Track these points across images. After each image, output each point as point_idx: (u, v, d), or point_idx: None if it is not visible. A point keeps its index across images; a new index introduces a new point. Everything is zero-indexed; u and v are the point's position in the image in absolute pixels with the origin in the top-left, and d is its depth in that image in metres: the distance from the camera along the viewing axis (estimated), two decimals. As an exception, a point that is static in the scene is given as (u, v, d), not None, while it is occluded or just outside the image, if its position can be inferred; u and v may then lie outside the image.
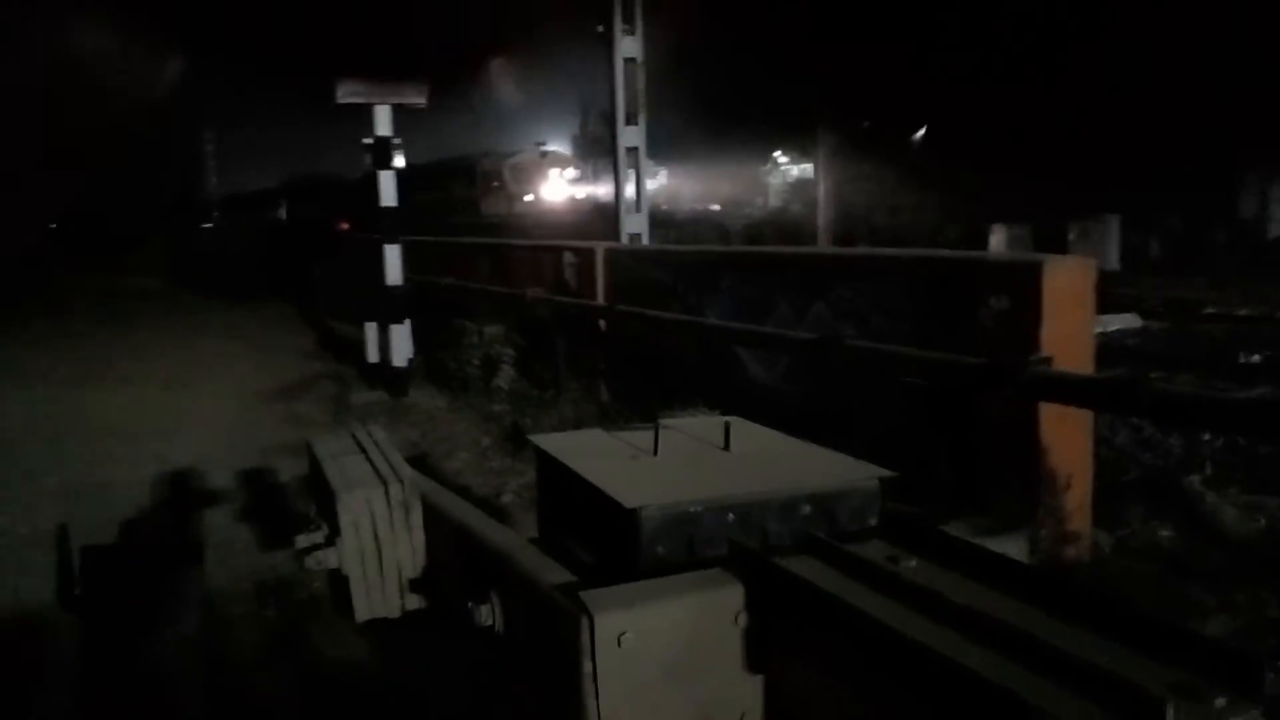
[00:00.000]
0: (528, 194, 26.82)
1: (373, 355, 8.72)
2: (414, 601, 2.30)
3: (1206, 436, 5.47)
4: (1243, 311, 11.66)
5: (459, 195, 27.61)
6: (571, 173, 29.29)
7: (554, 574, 1.63)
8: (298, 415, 7.67)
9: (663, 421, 2.07)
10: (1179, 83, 21.10)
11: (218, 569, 4.33)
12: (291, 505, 5.12)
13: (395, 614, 2.34)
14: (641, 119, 9.98)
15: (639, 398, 6.73)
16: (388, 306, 8.47)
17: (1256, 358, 8.64)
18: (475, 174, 27.76)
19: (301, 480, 5.26)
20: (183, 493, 5.60)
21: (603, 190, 27.99)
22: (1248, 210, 22.53)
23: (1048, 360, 3.63)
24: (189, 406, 8.05)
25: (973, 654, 1.19)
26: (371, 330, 8.74)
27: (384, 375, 8.49)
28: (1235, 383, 7.47)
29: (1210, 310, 11.93)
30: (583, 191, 28.85)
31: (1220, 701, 1.09)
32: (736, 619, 1.50)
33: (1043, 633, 1.22)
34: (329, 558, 2.29)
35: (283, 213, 35.40)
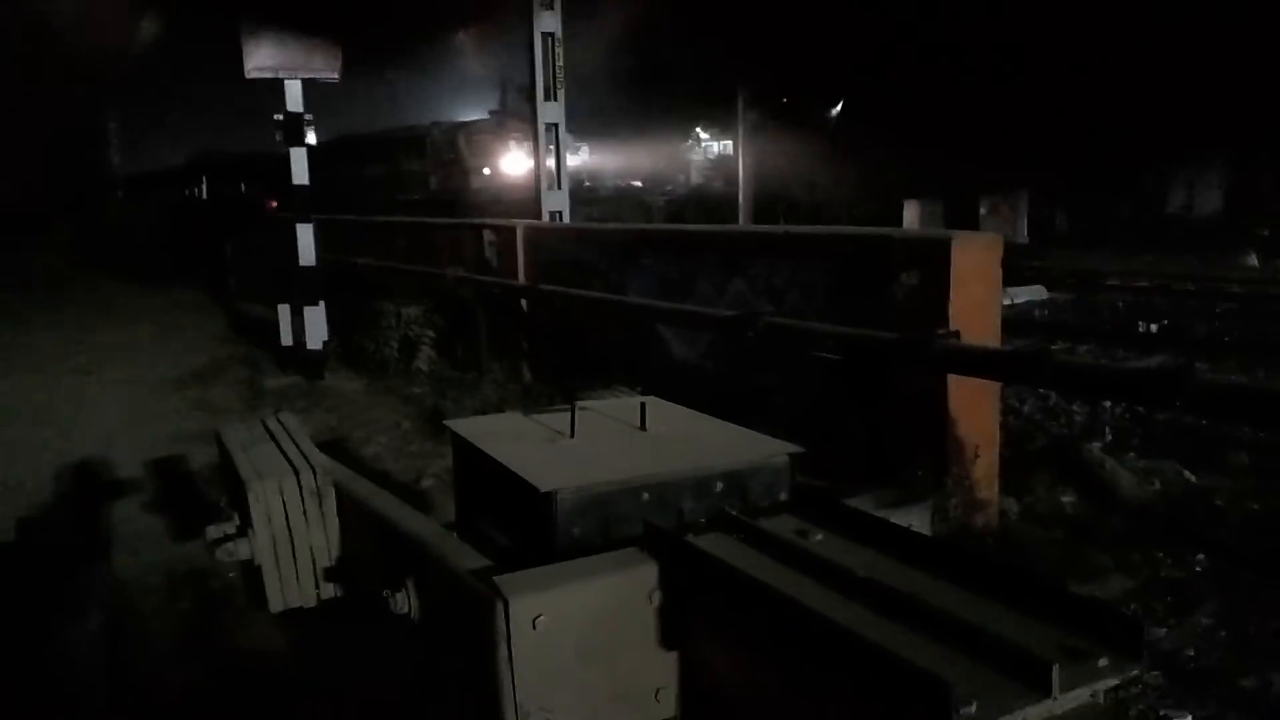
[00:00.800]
0: (484, 168, 24.12)
1: (287, 338, 8.52)
2: (330, 590, 2.28)
3: (1107, 405, 5.70)
4: (1143, 283, 12.15)
5: (408, 169, 25.38)
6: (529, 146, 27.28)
7: (470, 559, 1.63)
8: (210, 401, 7.47)
9: (579, 403, 2.08)
10: (1086, 61, 21.77)
11: (127, 561, 4.21)
12: (203, 495, 4.99)
13: (311, 604, 2.31)
14: (561, 94, 9.90)
15: (562, 377, 6.72)
16: (302, 287, 8.28)
17: (1154, 327, 9.02)
18: (426, 146, 25.24)
19: (213, 469, 5.14)
20: (89, 484, 5.42)
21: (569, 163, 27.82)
22: (1150, 186, 23.43)
23: (956, 334, 3.73)
24: (96, 394, 7.78)
25: (874, 624, 1.24)
26: (285, 312, 8.53)
27: (299, 359, 8.31)
28: (1135, 351, 7.81)
29: (1113, 282, 12.39)
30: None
31: (1103, 661, 1.15)
32: (651, 597, 1.52)
33: (940, 601, 1.27)
34: (241, 548, 2.26)
35: (203, 190, 33.23)
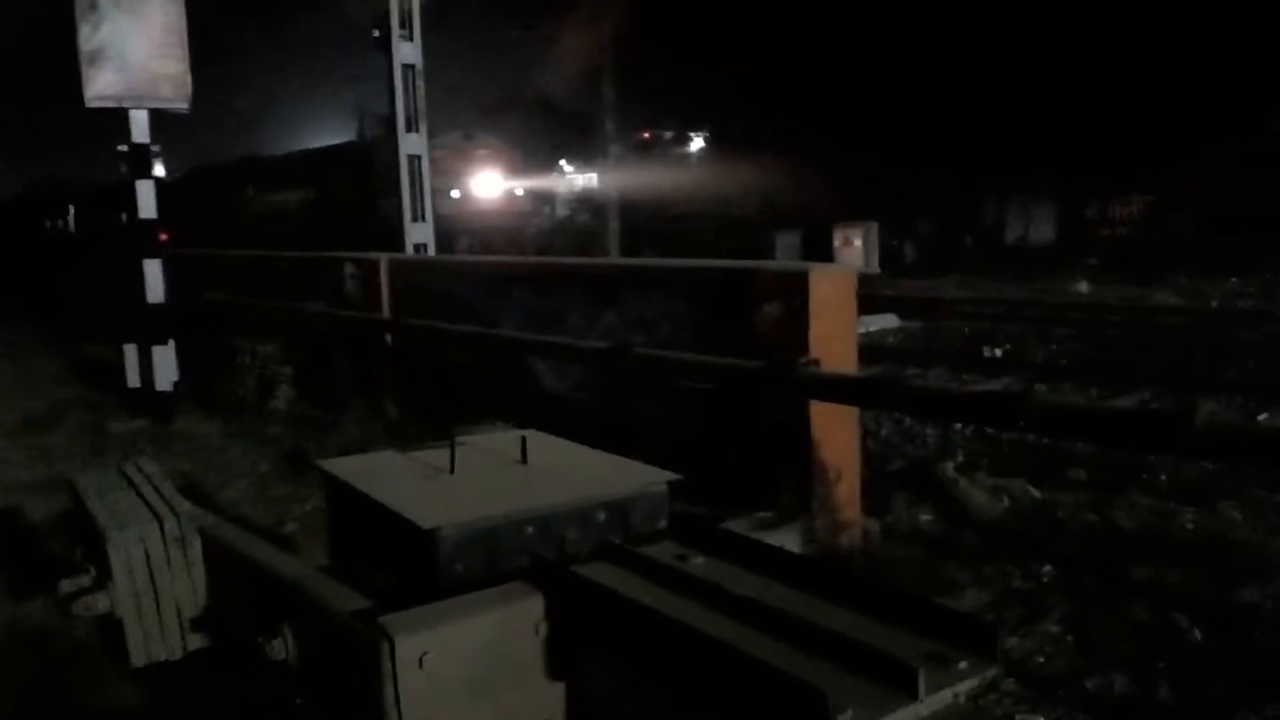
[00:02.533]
0: (453, 189, 20.91)
1: (133, 379, 8.09)
2: (196, 641, 2.19)
3: (958, 426, 6.03)
4: (987, 310, 12.90)
5: (345, 194, 21.75)
6: (504, 165, 22.96)
7: (350, 600, 1.61)
8: (49, 449, 7.00)
9: (459, 438, 2.08)
10: (930, 99, 23.12)
11: (-40, 624, 3.89)
12: (47, 548, 4.67)
13: (177, 655, 2.21)
14: (423, 126, 9.84)
15: (430, 413, 6.62)
16: (149, 326, 7.88)
17: (999, 351, 9.58)
18: (371, 165, 21.18)
19: (57, 519, 4.82)
20: (-88, 542, 4.99)
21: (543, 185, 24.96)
22: (990, 217, 24.95)
23: (816, 361, 3.89)
24: (-83, 445, 7.18)
25: (754, 641, 1.29)
26: (131, 352, 8.10)
27: (146, 401, 7.89)
28: (981, 375, 8.28)
29: (959, 309, 13.11)
30: (520, 187, 23.43)
31: (963, 664, 1.24)
32: (538, 629, 1.54)
33: (813, 616, 1.34)
34: (99, 601, 2.14)
35: (70, 223, 30.03)
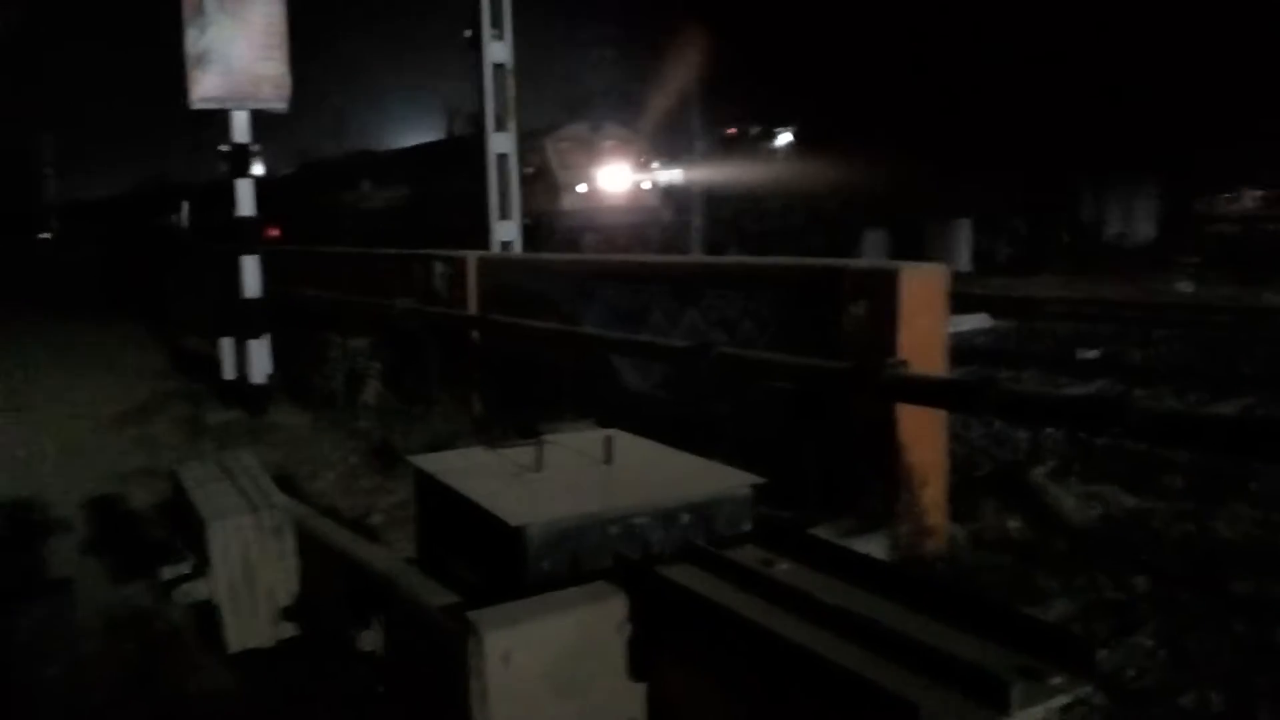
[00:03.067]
0: (579, 183, 19.03)
1: (229, 372, 8.38)
2: (289, 629, 2.26)
3: (1050, 430, 5.85)
4: (1083, 310, 12.49)
5: (458, 189, 19.23)
6: (635, 156, 20.58)
7: (439, 595, 1.64)
8: (151, 438, 7.30)
9: (545, 437, 2.10)
10: (1024, 93, 22.49)
11: (66, 604, 4.07)
12: (147, 534, 4.87)
13: (269, 643, 2.29)
14: (513, 125, 9.94)
15: (514, 410, 6.70)
16: (245, 320, 8.15)
17: (1094, 353, 9.27)
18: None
19: (156, 507, 5.03)
20: (26, 524, 5.26)
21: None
22: (1087, 213, 24.15)
23: (904, 363, 3.81)
24: (32, 433, 7.56)
25: (841, 649, 1.27)
26: (228, 346, 8.39)
27: (242, 393, 8.16)
28: (1075, 378, 8.02)
29: (1053, 309, 12.72)
30: (650, 181, 21.00)
31: (1056, 679, 1.20)
32: (621, 629, 1.55)
33: (903, 626, 1.31)
34: (198, 589, 2.23)
35: (183, 218, 30.59)
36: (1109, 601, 3.67)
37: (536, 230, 17.89)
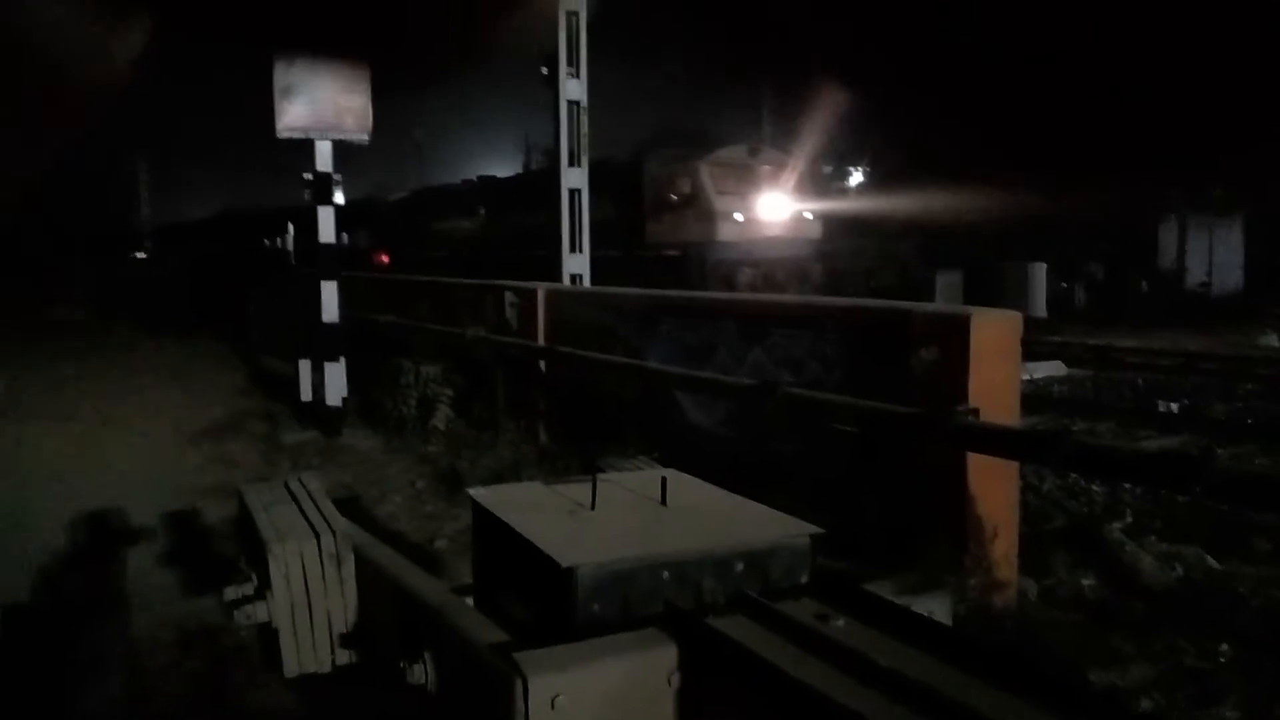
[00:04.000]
0: (736, 211, 16.85)
1: (306, 394, 8.58)
2: (345, 656, 2.28)
3: (1127, 485, 5.65)
4: (1163, 361, 12.09)
5: (606, 215, 17.32)
6: (792, 184, 18.06)
7: (488, 633, 1.63)
8: (227, 455, 7.49)
9: (600, 475, 2.09)
10: (1106, 132, 22.02)
11: (139, 616, 4.20)
12: (218, 550, 4.99)
13: (326, 669, 2.31)
14: (585, 161, 10.09)
15: (578, 440, 6.72)
16: (323, 343, 8.35)
17: (1174, 407, 8.95)
18: (640, 183, 17.65)
19: (229, 523, 5.14)
20: (104, 535, 5.43)
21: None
22: (1166, 261, 23.44)
23: (975, 411, 3.73)
24: (114, 445, 7.82)
25: (892, 716, 1.23)
26: (305, 368, 8.60)
27: (317, 414, 8.35)
28: (1155, 431, 7.75)
29: (1132, 359, 12.34)
30: (810, 210, 18.52)
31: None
32: (670, 679, 1.52)
33: (961, 695, 1.26)
34: (259, 611, 2.26)
35: (288, 241, 30.40)
36: (1189, 669, 3.51)
37: (681, 263, 16.21)
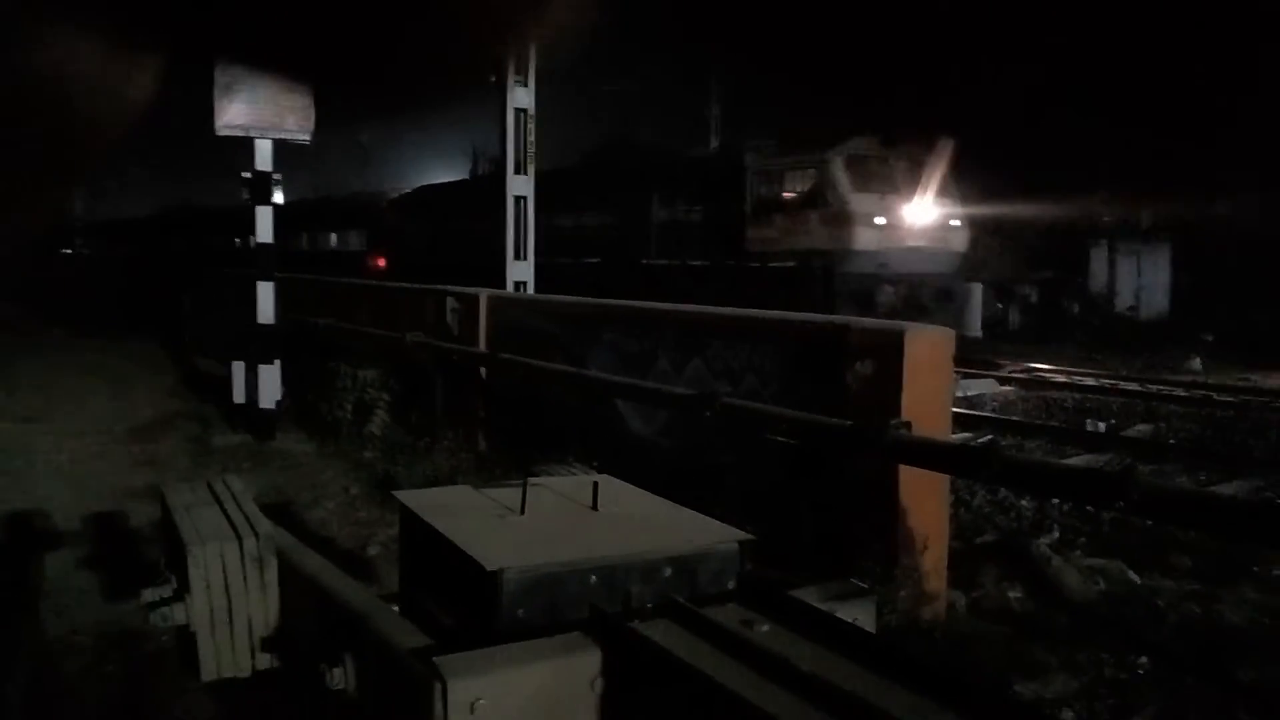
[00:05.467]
0: (878, 214, 13.38)
1: (239, 395, 8.40)
2: (265, 660, 2.22)
3: (1055, 501, 5.77)
4: (1092, 381, 12.41)
5: (681, 217, 15.33)
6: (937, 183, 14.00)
7: (410, 638, 1.61)
8: (156, 457, 7.31)
9: (532, 480, 2.07)
10: (1032, 160, 22.62)
11: (54, 620, 4.06)
12: (142, 554, 4.85)
13: (245, 673, 2.25)
14: (531, 169, 10.06)
15: (518, 447, 6.68)
16: (258, 345, 8.19)
17: (1102, 426, 9.19)
18: (740, 179, 14.45)
19: (155, 526, 5.00)
20: (25, 537, 5.25)
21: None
22: (1097, 284, 24.07)
23: (908, 424, 3.78)
24: (38, 445, 7.57)
25: (814, 721, 1.24)
26: (239, 369, 8.42)
27: (250, 417, 8.18)
28: (1083, 449, 7.94)
29: (1062, 379, 12.64)
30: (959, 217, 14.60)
31: (1037, 767, 1.16)
32: (593, 684, 1.51)
33: (881, 701, 1.27)
34: (176, 613, 2.20)
35: (305, 242, 27.31)
36: (1109, 680, 3.59)
37: (799, 277, 13.23)
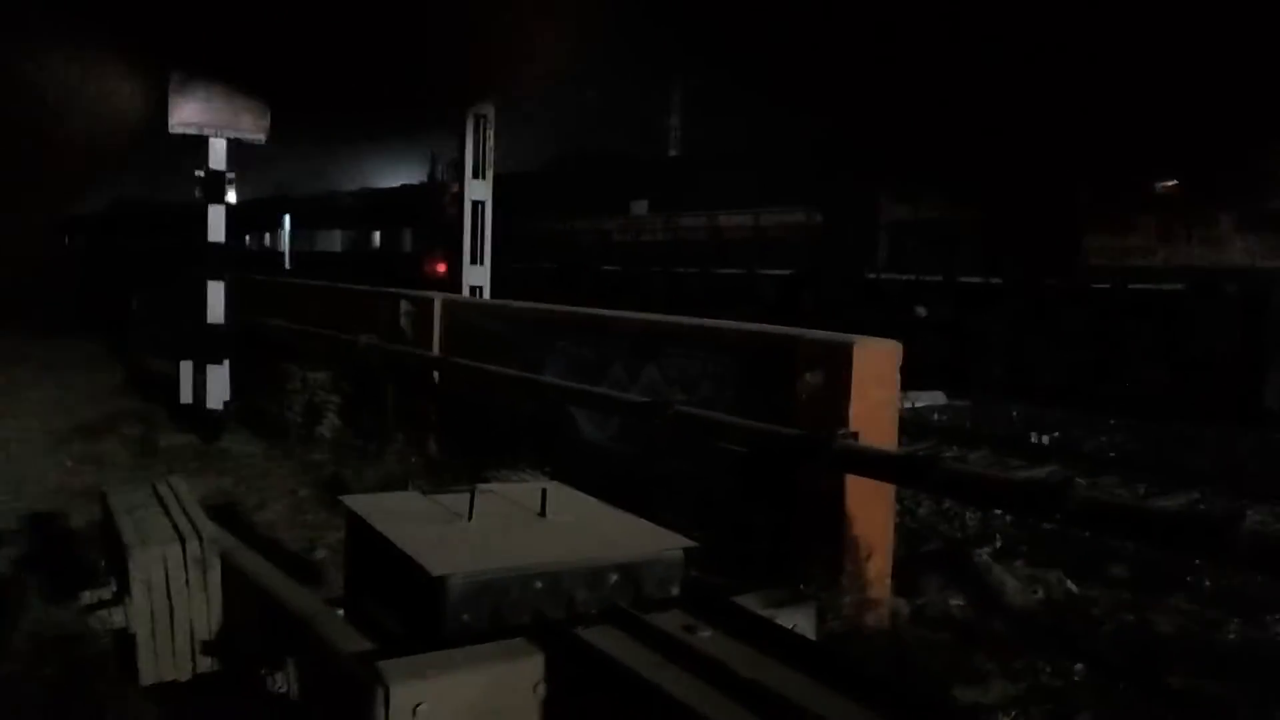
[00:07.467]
0: None
1: (186, 396, 8.28)
2: (206, 664, 2.21)
3: (998, 511, 5.90)
4: (1037, 394, 12.64)
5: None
6: None
7: (353, 641, 1.61)
8: (98, 456, 7.16)
9: (480, 486, 2.08)
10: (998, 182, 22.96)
11: (-11, 624, 3.97)
12: (82, 555, 4.76)
13: (185, 676, 2.23)
14: (489, 174, 10.05)
15: (470, 452, 6.65)
16: (207, 345, 8.08)
17: (1046, 439, 9.38)
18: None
19: (96, 527, 4.92)
20: (-43, 537, 5.12)
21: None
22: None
23: (855, 435, 3.85)
24: (-25, 443, 7.39)
25: (749, 726, 1.26)
26: (187, 369, 8.30)
27: (197, 417, 8.06)
28: (1027, 461, 8.10)
29: (1009, 391, 12.86)
30: None
31: (963, 770, 1.20)
32: (536, 689, 1.52)
33: (817, 707, 1.30)
34: (115, 616, 2.18)
35: (284, 240, 24.74)
36: (1046, 687, 3.68)
37: (1189, 306, 9.70)
